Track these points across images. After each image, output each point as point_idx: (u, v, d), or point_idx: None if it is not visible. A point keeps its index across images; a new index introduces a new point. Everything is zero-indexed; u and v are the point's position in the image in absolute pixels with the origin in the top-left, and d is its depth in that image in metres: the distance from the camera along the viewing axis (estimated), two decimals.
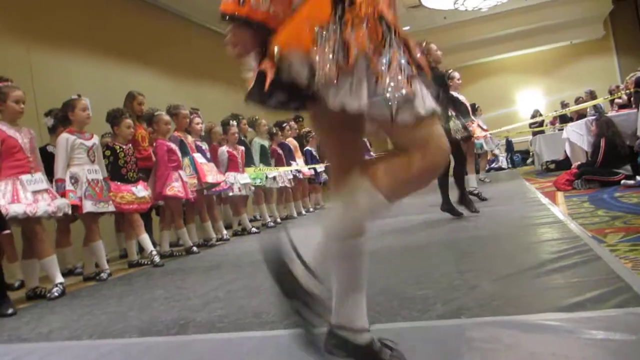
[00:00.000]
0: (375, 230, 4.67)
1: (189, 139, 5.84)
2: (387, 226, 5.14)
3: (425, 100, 1.19)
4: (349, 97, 1.15)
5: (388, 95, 1.14)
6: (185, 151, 5.64)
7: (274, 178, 7.26)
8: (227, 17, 1.24)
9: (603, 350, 1.45)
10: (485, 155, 10.09)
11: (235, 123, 6.48)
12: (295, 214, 8.05)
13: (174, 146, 5.39)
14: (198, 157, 5.76)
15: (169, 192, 5.07)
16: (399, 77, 1.15)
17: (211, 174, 5.73)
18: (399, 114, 1.15)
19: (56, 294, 3.65)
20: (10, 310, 3.24)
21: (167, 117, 5.28)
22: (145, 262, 4.78)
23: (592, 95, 10.68)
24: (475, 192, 6.10)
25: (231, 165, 6.36)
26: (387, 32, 1.17)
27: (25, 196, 3.60)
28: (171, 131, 5.63)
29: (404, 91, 1.15)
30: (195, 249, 5.27)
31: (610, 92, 9.74)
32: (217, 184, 5.84)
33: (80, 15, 6.79)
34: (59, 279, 3.77)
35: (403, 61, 1.17)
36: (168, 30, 8.60)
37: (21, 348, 2.42)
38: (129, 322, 2.60)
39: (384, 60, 1.16)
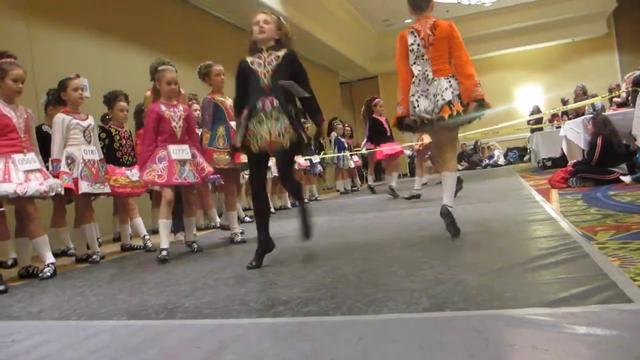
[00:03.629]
0: (366, 224, 4.70)
1: (228, 102, 4.68)
2: (379, 219, 5.17)
3: None
4: None
5: None
6: (220, 117, 4.67)
7: (269, 167, 7.23)
8: None
9: (583, 344, 1.47)
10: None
11: None
12: (289, 205, 8.05)
13: (168, 113, 4.16)
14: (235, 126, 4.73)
15: (146, 176, 4.10)
16: None
17: None
18: None
19: (48, 273, 3.67)
20: (1, 288, 3.28)
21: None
22: (138, 247, 4.80)
23: (583, 91, 10.68)
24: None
25: None
26: None
27: (17, 175, 3.59)
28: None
29: None
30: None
31: (610, 91, 9.74)
32: None
33: None
34: (50, 259, 3.78)
35: None
36: (170, 14, 8.56)
37: (11, 325, 2.44)
38: (119, 305, 2.61)
39: None
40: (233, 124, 4.47)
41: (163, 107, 4.15)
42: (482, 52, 15.73)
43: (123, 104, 4.82)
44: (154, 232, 6.23)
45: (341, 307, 2.08)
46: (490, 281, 2.21)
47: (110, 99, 4.82)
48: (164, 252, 3.91)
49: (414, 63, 3.55)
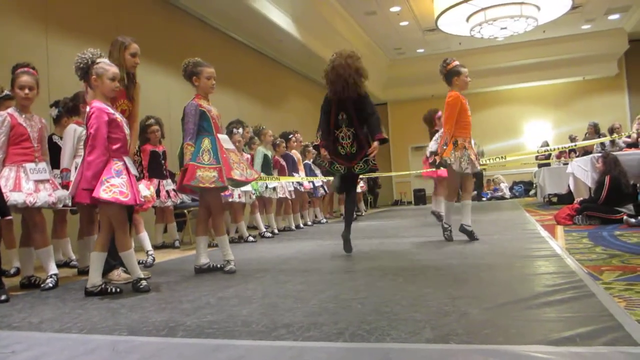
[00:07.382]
0: (370, 249, 4.67)
1: (214, 111, 4.12)
2: (382, 246, 5.16)
3: None
4: None
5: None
6: (206, 128, 4.03)
7: (274, 188, 7.26)
8: None
9: None
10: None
11: (239, 131, 6.40)
12: (293, 227, 8.05)
13: (119, 116, 3.42)
14: (224, 140, 4.13)
15: (104, 194, 3.16)
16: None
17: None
18: None
19: (50, 284, 3.67)
20: (3, 297, 3.26)
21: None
22: (142, 262, 4.78)
23: (595, 128, 10.71)
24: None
25: None
26: None
27: (27, 185, 3.63)
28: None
29: None
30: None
31: (611, 131, 9.80)
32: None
33: (103, 10, 6.89)
34: (53, 270, 3.78)
35: None
36: (188, 33, 8.69)
37: (10, 336, 2.42)
38: (119, 320, 2.60)
39: None
40: (220, 136, 4.08)
41: (110, 109, 3.38)
42: (493, 85, 15.88)
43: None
44: (156, 247, 6.26)
45: (344, 333, 2.06)
46: (495, 315, 2.20)
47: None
48: (144, 283, 3.39)
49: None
